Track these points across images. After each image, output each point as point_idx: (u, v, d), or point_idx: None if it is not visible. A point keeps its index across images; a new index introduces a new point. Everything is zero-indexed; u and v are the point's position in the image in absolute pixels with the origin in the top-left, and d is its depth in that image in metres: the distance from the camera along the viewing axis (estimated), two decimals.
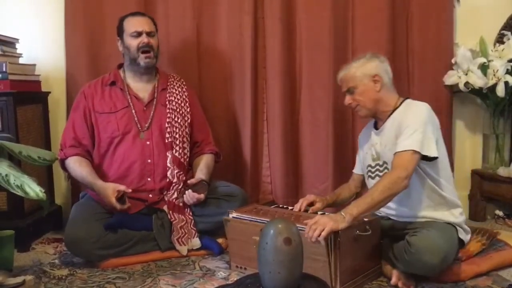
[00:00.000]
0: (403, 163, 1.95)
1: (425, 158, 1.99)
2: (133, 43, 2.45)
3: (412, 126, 1.99)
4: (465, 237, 2.11)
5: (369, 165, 2.24)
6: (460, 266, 2.05)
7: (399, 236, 2.04)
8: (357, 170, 2.41)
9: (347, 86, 2.18)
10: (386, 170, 2.13)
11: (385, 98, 2.15)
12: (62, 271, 2.21)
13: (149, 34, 2.46)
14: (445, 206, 2.08)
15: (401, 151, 1.97)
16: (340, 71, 2.23)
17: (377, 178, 2.17)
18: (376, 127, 2.25)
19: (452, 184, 2.15)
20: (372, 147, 2.21)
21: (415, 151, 1.95)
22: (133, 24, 2.46)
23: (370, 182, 2.24)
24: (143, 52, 2.44)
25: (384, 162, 2.15)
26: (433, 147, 1.99)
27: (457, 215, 2.09)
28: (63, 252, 2.44)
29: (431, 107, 2.09)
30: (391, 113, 2.15)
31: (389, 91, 2.17)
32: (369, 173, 2.24)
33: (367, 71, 2.14)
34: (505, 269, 2.15)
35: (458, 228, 2.07)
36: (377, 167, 2.19)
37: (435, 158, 2.00)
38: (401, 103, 2.16)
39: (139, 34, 2.44)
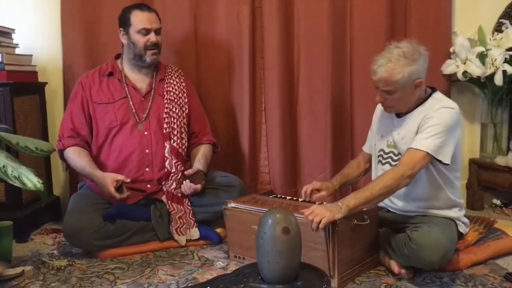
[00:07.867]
0: (411, 162, 1.90)
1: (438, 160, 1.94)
2: (141, 40, 2.42)
3: (435, 127, 1.92)
4: (464, 229, 2.11)
5: (382, 150, 2.15)
6: (458, 256, 2.06)
7: (397, 228, 2.05)
8: (366, 148, 2.33)
9: (386, 88, 1.97)
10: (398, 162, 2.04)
11: (417, 96, 2.02)
12: (61, 261, 2.22)
13: (157, 31, 2.44)
14: (447, 205, 2.05)
15: (415, 149, 1.92)
16: (378, 65, 1.96)
17: (387, 165, 2.11)
18: (397, 113, 2.12)
19: (459, 184, 2.11)
20: (390, 134, 2.11)
21: (428, 154, 1.90)
22: (141, 21, 2.41)
23: (378, 168, 2.17)
24: (150, 49, 2.43)
25: (400, 153, 2.06)
26: (449, 154, 1.93)
27: (457, 210, 2.08)
28: (62, 243, 2.44)
29: None
30: (416, 106, 2.04)
31: (422, 88, 2.02)
32: (380, 158, 2.16)
33: (412, 76, 1.94)
34: (502, 257, 2.16)
35: (457, 222, 2.06)
36: (391, 154, 2.11)
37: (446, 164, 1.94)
38: (429, 95, 2.05)
39: (148, 31, 2.41)
